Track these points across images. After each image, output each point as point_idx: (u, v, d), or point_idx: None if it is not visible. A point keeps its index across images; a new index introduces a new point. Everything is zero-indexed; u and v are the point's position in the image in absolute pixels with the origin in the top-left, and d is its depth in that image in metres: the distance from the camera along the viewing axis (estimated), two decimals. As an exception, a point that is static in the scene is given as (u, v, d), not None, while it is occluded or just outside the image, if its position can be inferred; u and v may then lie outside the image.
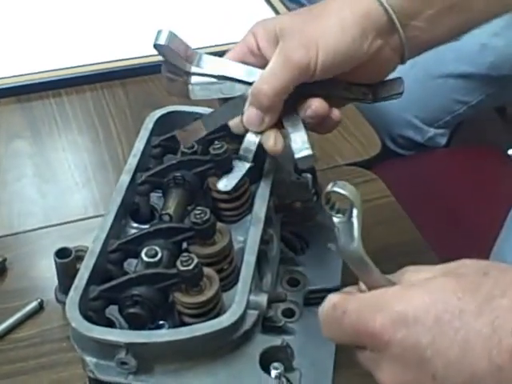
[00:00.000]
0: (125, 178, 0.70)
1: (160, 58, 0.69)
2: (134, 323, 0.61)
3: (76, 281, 0.61)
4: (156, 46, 0.68)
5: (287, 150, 0.67)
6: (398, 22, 0.65)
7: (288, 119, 0.68)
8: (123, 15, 1.23)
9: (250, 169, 0.69)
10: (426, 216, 1.00)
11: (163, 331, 0.61)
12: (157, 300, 0.60)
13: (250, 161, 0.69)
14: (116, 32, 1.19)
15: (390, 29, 0.66)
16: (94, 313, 0.60)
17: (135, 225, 0.70)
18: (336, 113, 0.67)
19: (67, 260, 0.72)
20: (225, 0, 1.28)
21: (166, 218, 0.67)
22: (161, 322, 0.62)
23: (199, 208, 0.63)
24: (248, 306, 0.61)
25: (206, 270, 0.61)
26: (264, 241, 0.67)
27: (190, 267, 0.59)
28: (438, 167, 1.23)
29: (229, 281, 0.65)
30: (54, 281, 0.76)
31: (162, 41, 0.67)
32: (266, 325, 0.63)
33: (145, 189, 0.70)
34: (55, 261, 0.73)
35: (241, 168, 0.69)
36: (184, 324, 0.61)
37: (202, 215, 0.63)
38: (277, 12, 1.25)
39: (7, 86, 1.08)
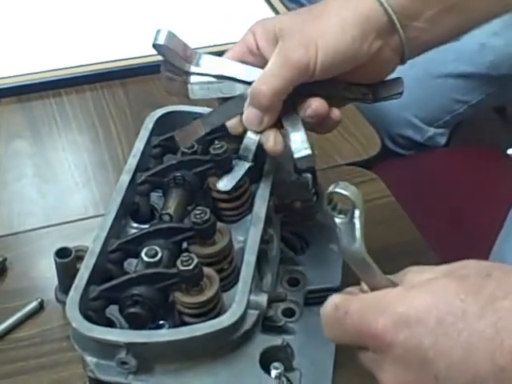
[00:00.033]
0: (125, 178, 0.70)
1: (160, 57, 0.69)
2: (135, 323, 0.61)
3: (76, 281, 0.61)
4: (155, 46, 0.68)
5: (287, 149, 0.67)
6: (399, 23, 0.65)
7: (287, 119, 0.68)
8: (123, 15, 1.23)
9: (249, 168, 0.69)
10: (425, 216, 1.00)
11: (163, 331, 0.61)
12: (157, 300, 0.60)
13: (250, 160, 0.69)
14: (116, 32, 1.19)
15: (390, 29, 0.65)
16: (94, 313, 0.60)
17: (135, 225, 0.70)
18: (336, 112, 0.67)
19: (67, 260, 0.72)
20: (225, 0, 1.28)
21: (166, 217, 0.67)
22: (161, 322, 0.62)
23: (199, 208, 0.63)
24: (248, 305, 0.61)
25: (206, 270, 0.61)
26: (264, 241, 0.67)
27: (190, 267, 0.59)
28: (437, 167, 1.23)
29: (229, 281, 0.65)
30: (54, 281, 0.76)
31: (160, 40, 0.67)
32: (266, 324, 0.63)
33: (145, 189, 0.70)
34: (55, 260, 0.73)
35: (241, 168, 0.69)
36: (184, 324, 0.61)
37: (202, 215, 0.63)
38: (276, 12, 1.25)
39: (7, 85, 1.08)
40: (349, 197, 0.52)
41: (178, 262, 0.59)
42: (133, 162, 0.71)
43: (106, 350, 0.58)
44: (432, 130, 1.30)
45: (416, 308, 0.49)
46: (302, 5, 1.38)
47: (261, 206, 0.68)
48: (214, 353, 0.59)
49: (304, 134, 0.67)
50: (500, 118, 1.50)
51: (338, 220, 0.53)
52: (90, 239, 0.64)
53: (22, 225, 0.89)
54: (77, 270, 0.62)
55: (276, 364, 0.59)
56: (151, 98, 1.07)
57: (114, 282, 0.61)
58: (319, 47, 0.64)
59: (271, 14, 1.24)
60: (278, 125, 0.68)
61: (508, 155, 1.32)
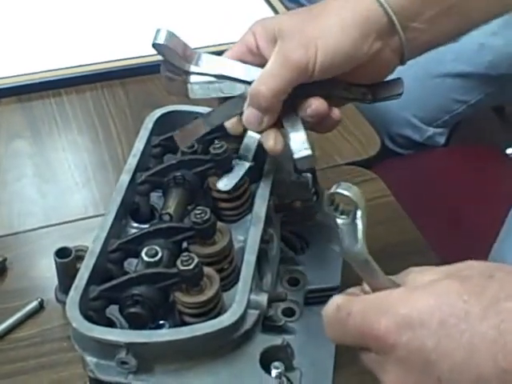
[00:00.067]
0: (125, 178, 0.70)
1: (160, 57, 0.69)
2: (135, 323, 0.61)
3: (76, 280, 0.61)
4: (155, 46, 0.68)
5: (287, 149, 0.67)
6: (399, 24, 0.65)
7: (287, 119, 0.68)
8: (123, 15, 1.23)
9: (250, 168, 0.69)
10: (425, 215, 1.00)
11: (164, 331, 0.61)
12: (157, 300, 0.60)
13: (250, 160, 0.69)
14: (115, 32, 1.19)
15: (390, 30, 0.65)
16: (94, 312, 0.60)
17: (135, 224, 0.70)
18: (336, 112, 0.67)
19: (67, 260, 0.72)
20: (224, 0, 1.28)
21: (166, 217, 0.67)
22: (161, 322, 0.62)
23: (199, 208, 0.63)
24: (248, 305, 0.61)
25: (207, 270, 0.61)
26: (264, 240, 0.67)
27: (191, 267, 0.59)
28: (436, 166, 1.23)
29: (229, 280, 0.65)
30: (54, 280, 0.76)
31: (160, 40, 0.67)
32: (267, 324, 0.63)
33: (145, 188, 0.70)
34: (55, 260, 0.73)
35: (241, 167, 0.69)
36: (184, 324, 0.61)
37: (202, 215, 0.63)
38: (276, 12, 1.25)
39: (7, 85, 1.08)
40: (351, 198, 0.51)
41: (178, 262, 0.59)
42: (133, 161, 0.71)
43: (106, 349, 0.58)
44: (431, 130, 1.30)
45: (419, 309, 0.49)
46: (301, 5, 1.39)
47: (261, 206, 0.68)
48: (214, 352, 0.59)
49: (304, 134, 0.67)
50: (499, 118, 1.50)
51: (339, 221, 0.53)
52: (90, 239, 0.64)
53: (22, 225, 0.89)
54: (77, 270, 0.62)
55: (276, 364, 0.59)
56: (151, 98, 1.07)
57: (114, 282, 0.61)
58: (319, 48, 0.64)
59: (271, 13, 1.24)
60: (278, 124, 0.68)
61: (507, 155, 1.32)
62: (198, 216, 0.63)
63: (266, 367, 0.59)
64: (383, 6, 0.64)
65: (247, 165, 0.69)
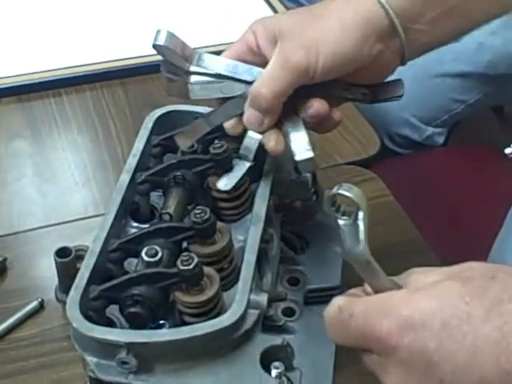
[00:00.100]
0: (125, 178, 0.70)
1: (160, 57, 0.69)
2: (135, 323, 0.61)
3: (76, 280, 0.61)
4: (155, 46, 0.68)
5: (287, 149, 0.67)
6: (400, 26, 0.64)
7: (288, 120, 0.67)
8: (122, 15, 1.23)
9: (250, 168, 0.69)
10: (424, 215, 1.00)
11: (164, 331, 0.61)
12: (157, 299, 0.60)
13: (251, 160, 0.69)
14: (115, 32, 1.19)
15: (391, 32, 0.65)
16: (94, 312, 0.60)
17: (135, 224, 0.70)
18: (337, 113, 0.67)
19: (67, 259, 0.72)
20: (224, 0, 1.28)
21: (166, 217, 0.67)
22: (161, 322, 0.62)
23: (199, 207, 0.63)
24: (248, 305, 0.61)
25: (207, 270, 0.61)
26: (264, 240, 0.67)
27: (191, 266, 0.59)
28: (436, 166, 1.23)
29: (229, 280, 0.65)
30: (55, 280, 0.76)
31: (160, 41, 0.67)
32: (267, 324, 0.63)
33: (145, 188, 0.70)
34: (55, 260, 0.73)
35: (241, 167, 0.69)
36: (184, 323, 0.61)
37: (202, 214, 0.63)
38: (276, 12, 1.25)
39: (7, 85, 1.08)
40: (352, 199, 0.51)
41: (178, 262, 0.59)
42: (133, 161, 0.71)
43: (107, 349, 0.58)
44: (430, 130, 1.30)
45: (421, 311, 0.49)
46: (301, 4, 1.38)
47: (261, 206, 0.68)
48: (214, 352, 0.59)
49: (306, 136, 0.67)
50: (497, 118, 1.50)
51: (341, 222, 0.53)
52: (90, 239, 0.64)
53: (22, 225, 0.89)
54: (77, 270, 0.62)
55: (276, 363, 0.59)
56: (151, 98, 1.07)
57: (114, 282, 0.61)
58: (319, 49, 0.64)
59: (270, 13, 1.23)
60: (279, 125, 0.68)
61: (505, 154, 1.32)
62: (198, 216, 0.63)
63: (266, 367, 0.59)
64: (385, 8, 0.64)
65: (247, 164, 0.69)
